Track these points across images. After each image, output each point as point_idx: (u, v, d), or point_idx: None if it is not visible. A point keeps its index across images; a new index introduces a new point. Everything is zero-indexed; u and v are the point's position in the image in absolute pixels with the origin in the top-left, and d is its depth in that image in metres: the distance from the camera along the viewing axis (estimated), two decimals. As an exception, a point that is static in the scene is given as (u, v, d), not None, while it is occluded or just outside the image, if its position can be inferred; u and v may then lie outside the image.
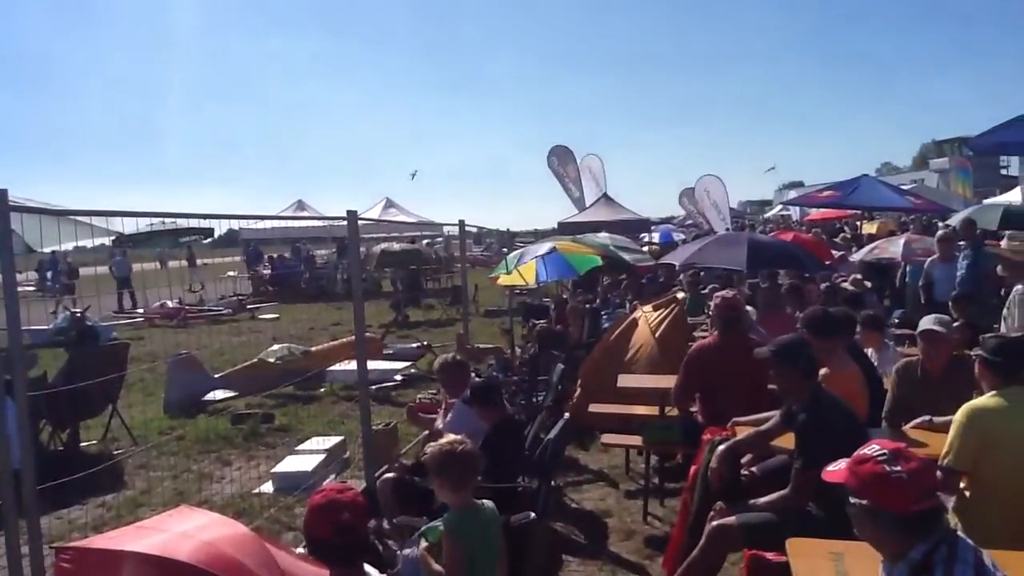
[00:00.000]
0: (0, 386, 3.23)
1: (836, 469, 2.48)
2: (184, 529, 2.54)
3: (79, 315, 14.53)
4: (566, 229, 19.51)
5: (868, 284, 10.93)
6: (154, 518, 2.55)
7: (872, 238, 15.25)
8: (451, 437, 3.60)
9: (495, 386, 5.58)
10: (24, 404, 3.25)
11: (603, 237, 14.93)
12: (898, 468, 2.28)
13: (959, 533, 2.34)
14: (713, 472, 4.46)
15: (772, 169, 78.60)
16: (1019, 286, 7.26)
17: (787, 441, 4.37)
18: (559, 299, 12.60)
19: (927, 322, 5.24)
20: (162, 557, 2.39)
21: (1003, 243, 7.88)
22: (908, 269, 11.84)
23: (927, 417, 4.76)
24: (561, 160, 24.76)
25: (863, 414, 4.78)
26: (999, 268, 8.00)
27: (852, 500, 2.38)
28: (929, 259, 10.59)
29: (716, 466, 4.45)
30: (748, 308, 7.91)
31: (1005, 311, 7.74)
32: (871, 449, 2.37)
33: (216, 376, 10.31)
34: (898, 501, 2.27)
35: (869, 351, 6.67)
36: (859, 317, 6.85)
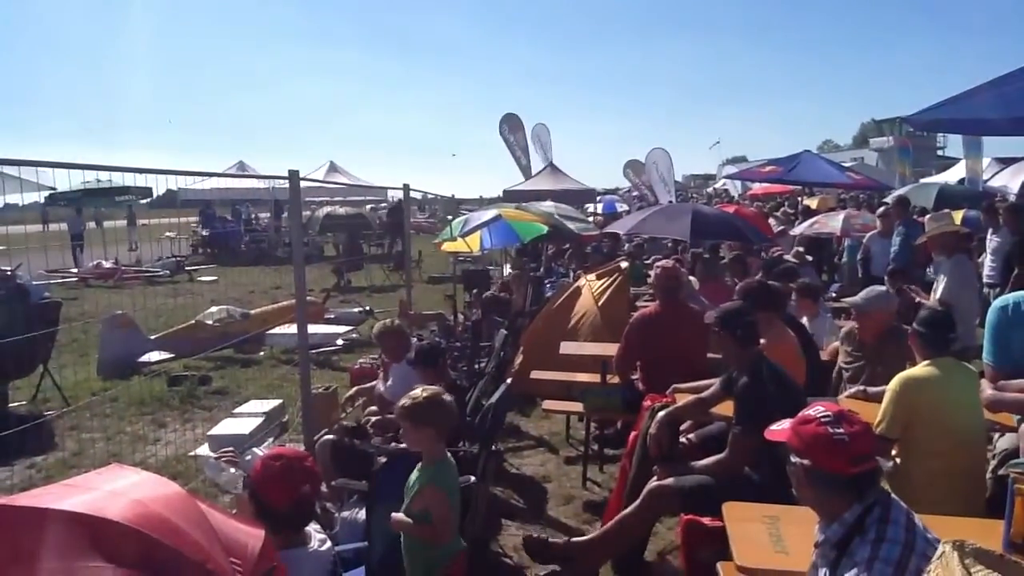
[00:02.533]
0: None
1: (779, 428, 2.51)
2: (114, 488, 2.45)
3: (9, 273, 14.13)
4: (512, 197, 19.50)
5: (809, 258, 11.12)
6: (82, 476, 2.46)
7: (812, 213, 15.47)
8: (433, 387, 3.58)
9: (439, 350, 5.58)
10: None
11: (548, 206, 14.92)
12: (840, 431, 2.32)
13: (892, 496, 2.38)
14: (652, 438, 4.50)
15: (717, 144, 79.24)
16: (942, 258, 7.56)
17: (726, 408, 4.44)
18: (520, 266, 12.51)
19: (858, 297, 5.42)
20: (90, 515, 2.30)
21: (926, 226, 8.14)
22: (847, 244, 12.08)
23: (862, 387, 4.88)
24: (511, 127, 24.69)
25: (801, 382, 4.86)
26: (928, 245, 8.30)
27: (793, 459, 2.41)
28: (869, 234, 10.81)
29: (655, 432, 4.49)
30: (690, 278, 8.00)
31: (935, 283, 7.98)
32: (815, 411, 2.41)
33: (152, 338, 10.09)
34: (838, 463, 2.30)
35: (804, 320, 6.80)
36: (795, 286, 6.98)
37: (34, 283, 13.33)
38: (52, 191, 15.20)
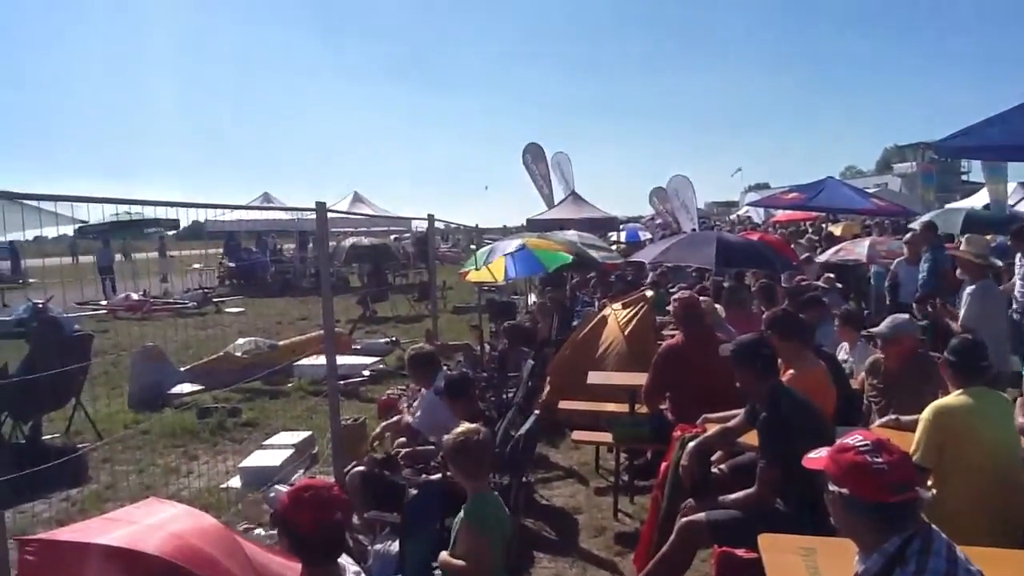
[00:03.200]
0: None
1: (817, 456, 2.50)
2: (152, 521, 2.49)
3: (41, 306, 14.32)
4: (535, 226, 19.55)
5: (839, 285, 11.06)
6: (122, 510, 2.51)
7: (837, 240, 15.40)
8: (465, 426, 3.60)
9: (469, 380, 5.59)
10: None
11: (571, 235, 14.96)
12: (879, 459, 2.30)
13: (933, 527, 2.36)
14: (684, 469, 4.48)
15: (739, 171, 79.05)
16: (969, 287, 7.46)
17: (755, 438, 4.41)
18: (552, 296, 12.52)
19: (881, 326, 5.39)
20: (129, 550, 2.34)
21: (961, 246, 8.02)
22: (874, 271, 12.00)
23: (894, 416, 4.83)
24: (534, 157, 24.82)
25: (831, 412, 4.84)
26: (958, 271, 8.19)
27: (831, 488, 2.40)
28: (896, 261, 10.72)
29: (687, 463, 4.48)
30: (716, 307, 7.98)
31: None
32: (853, 439, 2.40)
33: (182, 370, 10.18)
34: (877, 492, 2.29)
35: (844, 347, 6.77)
36: (838, 313, 6.96)
37: (65, 315, 13.54)
38: (83, 224, 15.41)
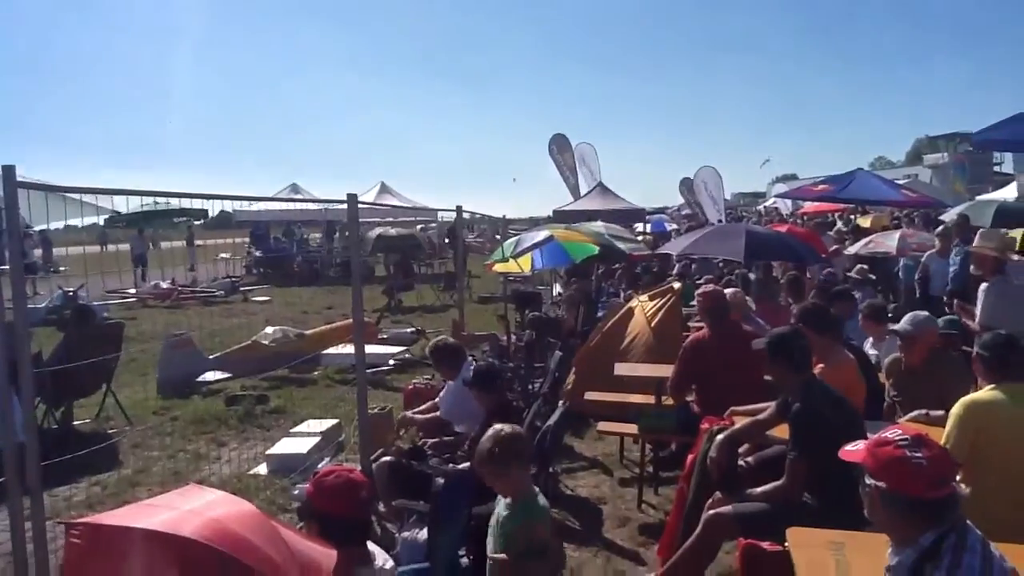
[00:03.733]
0: (3, 362, 3.21)
1: (855, 449, 2.50)
2: (192, 507, 2.54)
3: (72, 293, 14.55)
4: (561, 217, 19.53)
5: (872, 276, 10.96)
6: (163, 496, 2.56)
7: (866, 232, 15.28)
8: (496, 427, 3.51)
9: (496, 371, 5.61)
10: (30, 380, 3.25)
11: (598, 226, 14.94)
12: (919, 454, 2.30)
13: (968, 522, 2.36)
14: (712, 462, 4.49)
15: (767, 162, 78.66)
16: (984, 283, 7.33)
17: (784, 431, 4.41)
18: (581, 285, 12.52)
19: (901, 322, 5.35)
20: (168, 534, 2.39)
21: (976, 241, 7.89)
22: (903, 263, 11.89)
23: (923, 411, 4.81)
24: (560, 148, 24.77)
25: (860, 406, 4.82)
26: (971, 267, 8.03)
27: (868, 481, 2.40)
28: (927, 254, 10.63)
29: (715, 456, 4.48)
30: (746, 299, 7.96)
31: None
32: (892, 433, 2.40)
33: (210, 357, 10.29)
34: (915, 486, 2.29)
35: (870, 341, 6.73)
36: (862, 308, 6.91)
37: (95, 303, 13.73)
38: (114, 213, 15.59)
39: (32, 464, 3.20)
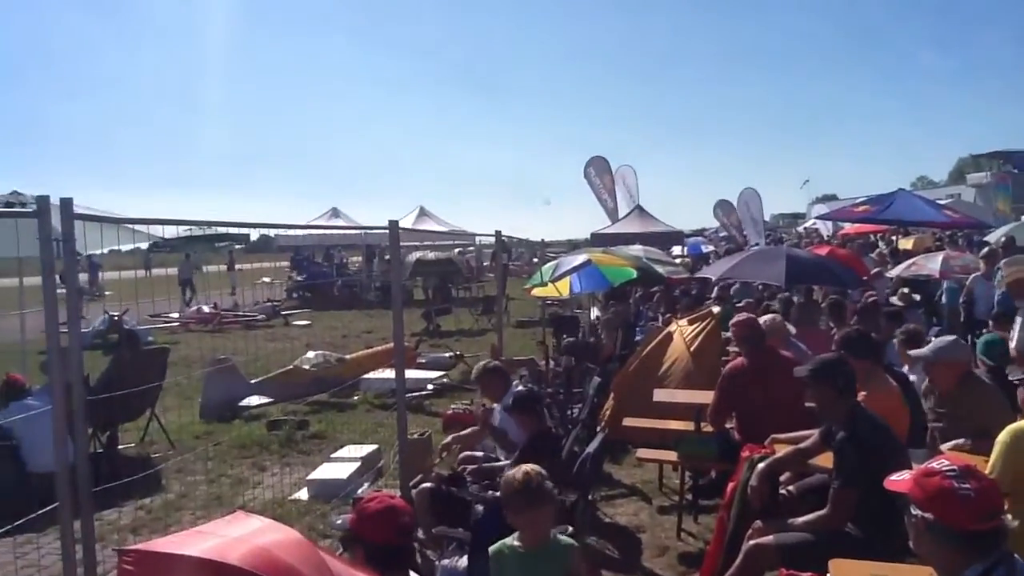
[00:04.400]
0: (60, 387, 3.30)
1: (900, 479, 2.48)
2: (239, 534, 2.58)
3: (117, 318, 14.82)
4: (599, 240, 19.53)
5: (916, 298, 10.80)
6: (212, 523, 2.62)
7: (908, 254, 15.09)
8: (511, 472, 3.42)
9: (538, 396, 5.61)
10: (83, 404, 3.33)
11: (636, 249, 14.93)
12: (967, 485, 2.28)
13: (1015, 556, 2.33)
14: (753, 490, 4.45)
15: (806, 182, 77.94)
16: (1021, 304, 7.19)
17: (826, 460, 4.37)
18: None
19: (927, 348, 5.27)
20: (215, 561, 2.44)
21: (1004, 267, 7.73)
22: (946, 286, 11.72)
23: (964, 440, 4.74)
24: (598, 170, 24.81)
25: (903, 434, 4.76)
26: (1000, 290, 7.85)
27: (914, 512, 2.37)
28: (972, 276, 10.46)
29: (756, 484, 4.45)
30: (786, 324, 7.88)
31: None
32: (940, 463, 2.38)
33: (252, 382, 10.42)
34: (963, 518, 2.27)
35: (905, 368, 6.63)
36: (898, 333, 6.81)
37: (139, 328, 13.98)
38: (158, 239, 15.92)
39: (84, 488, 3.27)
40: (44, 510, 3.38)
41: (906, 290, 10.88)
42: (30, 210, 3.31)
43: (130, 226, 9.23)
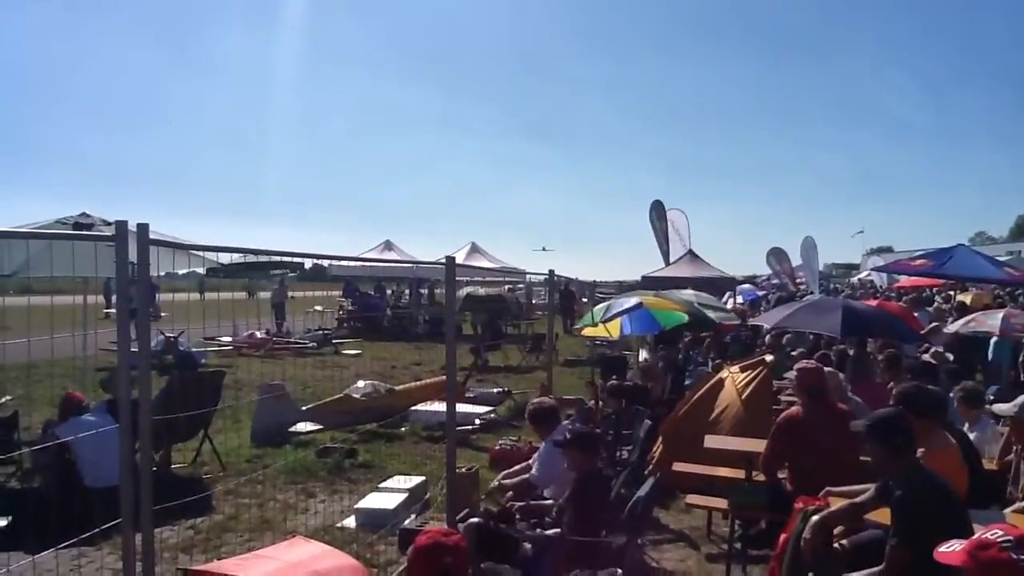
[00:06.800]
0: (127, 404, 3.39)
1: (950, 551, 2.42)
2: (295, 558, 2.64)
3: (172, 339, 15.10)
4: (651, 283, 19.52)
5: (950, 356, 10.60)
6: (272, 547, 2.69)
7: (967, 309, 14.80)
8: None
9: (596, 436, 5.62)
10: (149, 423, 3.42)
11: (688, 294, 14.89)
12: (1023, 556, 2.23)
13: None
14: (806, 543, 4.39)
15: (860, 233, 76.95)
16: None
17: (882, 516, 4.30)
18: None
19: (1010, 405, 5.19)
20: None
21: None
22: (994, 343, 11.47)
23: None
24: (658, 214, 24.97)
25: (962, 493, 4.67)
26: None
27: None
28: (1030, 334, 10.26)
29: (809, 537, 4.39)
30: (840, 375, 7.79)
31: None
32: (994, 534, 2.32)
33: (303, 408, 10.53)
34: None
35: (965, 426, 6.51)
36: (957, 390, 6.71)
37: (193, 350, 14.24)
38: (220, 265, 16.25)
39: (146, 505, 3.35)
40: (107, 525, 3.47)
41: (940, 349, 10.67)
42: (108, 234, 3.44)
43: (198, 252, 9.48)
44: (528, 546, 4.66)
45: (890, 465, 4.21)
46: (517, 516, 5.49)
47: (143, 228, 3.37)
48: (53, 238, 4.76)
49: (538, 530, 5.10)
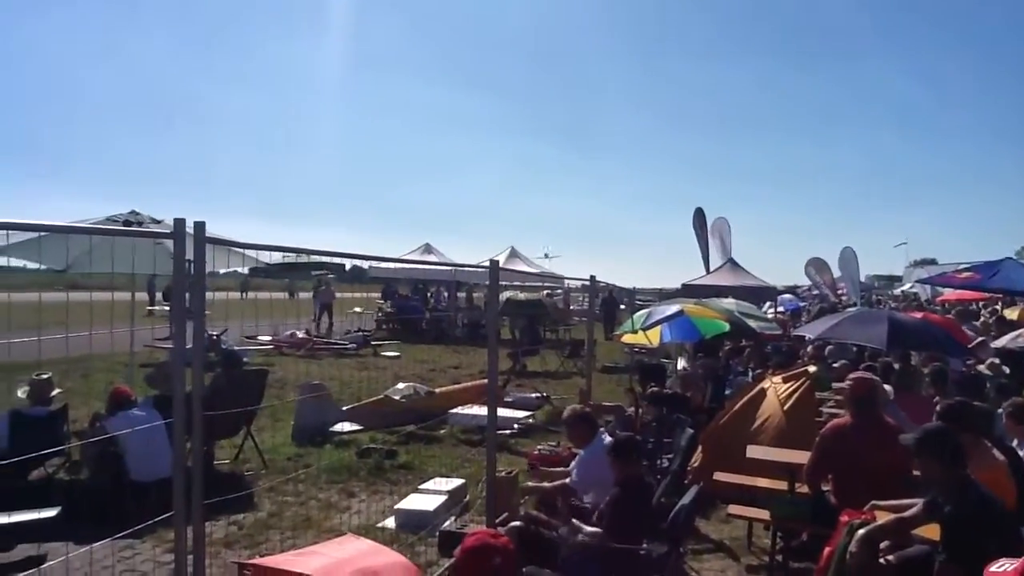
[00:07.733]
0: (181, 399, 3.45)
1: (1002, 571, 2.40)
2: (344, 555, 2.68)
3: (215, 338, 15.30)
4: (691, 291, 19.45)
5: (1006, 369, 10.42)
6: (324, 543, 2.73)
7: (1012, 324, 14.54)
8: None
9: (638, 444, 5.61)
10: (200, 418, 3.48)
11: (729, 303, 14.78)
12: None
13: None
14: (852, 557, 4.35)
15: (903, 244, 75.61)
16: None
17: (930, 531, 4.25)
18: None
19: None
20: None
21: None
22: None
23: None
24: (700, 222, 24.93)
25: (1011, 509, 4.60)
26: None
27: None
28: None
29: (856, 551, 4.35)
30: (886, 387, 7.70)
31: None
32: None
33: (343, 408, 10.62)
34: None
35: (1014, 442, 6.41)
36: (1006, 406, 6.60)
37: (236, 348, 14.42)
38: (266, 265, 16.47)
39: (197, 500, 3.41)
40: (159, 518, 3.53)
41: (996, 361, 10.48)
42: (166, 231, 3.50)
43: (238, 250, 9.61)
44: (567, 549, 4.67)
45: (938, 479, 4.17)
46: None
47: (200, 226, 3.42)
48: (116, 234, 4.86)
49: (579, 535, 5.10)
